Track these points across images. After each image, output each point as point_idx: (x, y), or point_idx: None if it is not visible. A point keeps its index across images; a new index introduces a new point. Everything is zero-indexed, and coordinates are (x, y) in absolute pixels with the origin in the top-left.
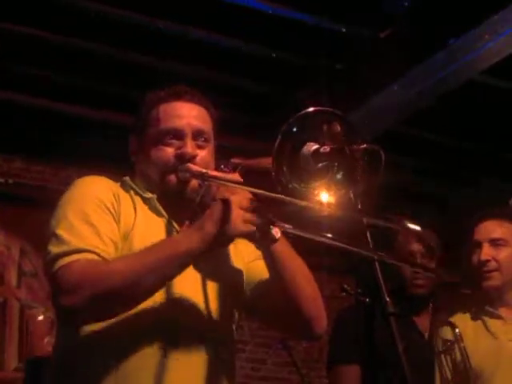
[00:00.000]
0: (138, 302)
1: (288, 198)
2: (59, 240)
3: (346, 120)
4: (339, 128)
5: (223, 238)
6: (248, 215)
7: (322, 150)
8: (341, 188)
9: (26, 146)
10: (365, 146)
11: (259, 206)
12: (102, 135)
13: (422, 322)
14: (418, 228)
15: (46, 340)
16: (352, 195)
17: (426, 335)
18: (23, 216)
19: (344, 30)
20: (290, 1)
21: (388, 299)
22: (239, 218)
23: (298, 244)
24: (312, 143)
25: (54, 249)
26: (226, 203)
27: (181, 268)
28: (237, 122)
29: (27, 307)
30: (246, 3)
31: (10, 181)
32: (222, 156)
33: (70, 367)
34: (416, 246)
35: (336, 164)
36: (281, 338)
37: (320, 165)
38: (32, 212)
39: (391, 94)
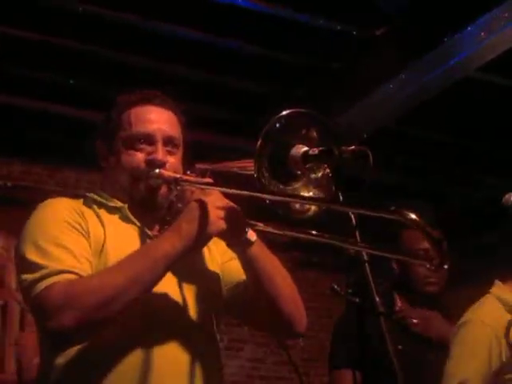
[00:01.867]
0: (124, 311)
1: (267, 196)
2: (33, 266)
3: (323, 121)
4: (315, 132)
5: (202, 237)
6: (224, 213)
7: (311, 151)
8: (326, 189)
9: (25, 148)
10: (353, 147)
11: (234, 206)
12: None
13: None
14: (417, 218)
15: (35, 361)
16: (340, 195)
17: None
18: (23, 218)
19: (340, 28)
20: (287, 1)
21: (378, 299)
22: (216, 216)
23: (288, 241)
24: (300, 145)
25: (30, 276)
26: (202, 203)
27: (163, 272)
28: (235, 122)
29: (27, 310)
30: (243, 4)
31: (9, 183)
32: (221, 155)
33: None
34: (424, 245)
35: (325, 166)
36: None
37: (308, 166)
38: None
39: (388, 93)
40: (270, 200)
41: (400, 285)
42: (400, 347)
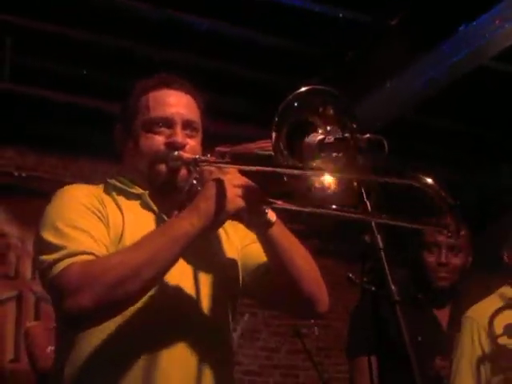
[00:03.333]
0: (143, 293)
1: (287, 170)
2: (52, 248)
3: (340, 99)
4: (332, 110)
5: (220, 215)
6: (242, 191)
7: (326, 139)
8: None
9: (39, 139)
10: (368, 136)
11: (252, 184)
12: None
13: (444, 315)
14: (433, 182)
15: (48, 349)
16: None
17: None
18: (37, 209)
19: (354, 18)
20: None
21: (393, 287)
22: (234, 194)
23: (304, 229)
24: (316, 133)
25: (48, 257)
26: (219, 181)
27: (181, 250)
28: (248, 111)
29: (42, 300)
30: None
31: (24, 174)
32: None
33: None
34: (442, 238)
35: (340, 154)
36: (293, 325)
37: (323, 154)
38: (45, 205)
39: (402, 82)
40: (288, 175)
41: (415, 277)
42: (419, 338)
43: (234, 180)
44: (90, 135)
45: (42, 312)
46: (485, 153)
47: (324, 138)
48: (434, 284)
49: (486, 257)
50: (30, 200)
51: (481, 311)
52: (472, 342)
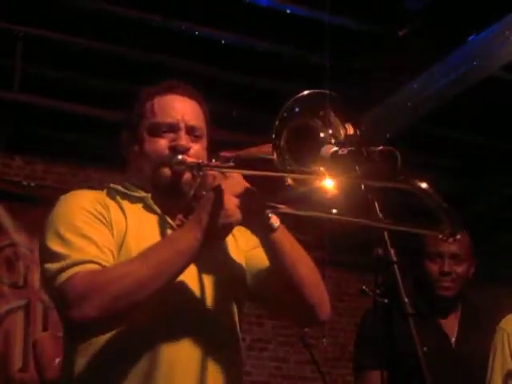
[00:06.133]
0: (146, 304)
1: (290, 174)
2: (56, 256)
3: (341, 102)
4: (333, 113)
5: (221, 228)
6: (242, 201)
7: (340, 152)
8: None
9: (47, 148)
10: (381, 148)
11: (253, 190)
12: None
13: (449, 325)
14: (428, 187)
15: (56, 361)
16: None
17: (453, 339)
18: (46, 218)
19: (364, 28)
20: (309, 0)
21: (406, 300)
22: (233, 204)
23: (313, 239)
24: (330, 145)
25: (53, 266)
26: (218, 191)
27: (186, 263)
28: (255, 119)
29: (51, 309)
30: (264, 4)
31: (32, 183)
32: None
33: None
34: (444, 247)
35: (355, 167)
36: (301, 335)
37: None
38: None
39: (411, 92)
40: (291, 179)
41: (419, 287)
42: (425, 349)
43: (232, 188)
44: (99, 144)
45: (51, 321)
46: (494, 162)
47: (337, 151)
48: (437, 293)
49: (497, 268)
50: (39, 209)
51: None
52: (503, 354)
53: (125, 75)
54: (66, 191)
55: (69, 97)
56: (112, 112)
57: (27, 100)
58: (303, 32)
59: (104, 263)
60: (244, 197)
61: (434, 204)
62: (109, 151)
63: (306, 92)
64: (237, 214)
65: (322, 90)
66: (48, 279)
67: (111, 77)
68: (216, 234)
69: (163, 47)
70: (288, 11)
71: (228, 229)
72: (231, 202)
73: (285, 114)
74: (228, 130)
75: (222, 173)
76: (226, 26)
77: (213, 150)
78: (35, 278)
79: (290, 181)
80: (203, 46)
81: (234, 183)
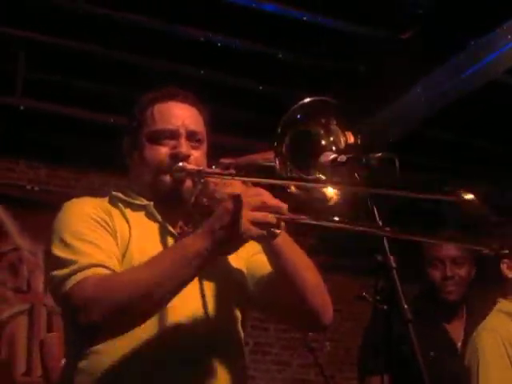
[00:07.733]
0: (153, 312)
1: (292, 182)
2: (62, 263)
3: (341, 110)
4: (335, 120)
5: (235, 242)
6: (260, 216)
7: (339, 159)
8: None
9: (51, 153)
10: (380, 154)
11: (273, 205)
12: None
13: (455, 329)
14: (473, 198)
15: (63, 362)
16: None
17: (459, 343)
18: (49, 222)
19: (366, 31)
20: (311, 3)
21: (406, 306)
22: (249, 221)
23: (316, 244)
24: (329, 152)
25: (61, 272)
26: (237, 203)
27: (195, 272)
28: (258, 124)
29: (54, 313)
30: (267, 8)
31: (36, 188)
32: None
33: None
34: (444, 252)
35: (355, 174)
36: (305, 339)
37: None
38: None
39: (414, 96)
40: (291, 185)
41: (425, 293)
42: (432, 354)
43: (252, 201)
44: (101, 149)
45: (54, 325)
46: (496, 166)
47: (337, 158)
48: (442, 298)
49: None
50: (43, 213)
51: (497, 324)
52: (500, 353)
53: (128, 80)
54: (69, 195)
55: (72, 102)
56: (117, 117)
57: (31, 104)
58: (305, 36)
59: (111, 267)
60: (262, 210)
61: (480, 217)
62: (112, 156)
63: (307, 99)
64: (251, 231)
65: (324, 98)
66: (56, 285)
67: (115, 82)
68: (226, 248)
69: (166, 52)
70: (291, 15)
71: (239, 245)
72: (248, 217)
73: (287, 121)
74: (227, 134)
75: (223, 180)
76: (225, 30)
77: (213, 154)
78: (39, 283)
79: (292, 188)
80: (203, 50)
81: (253, 194)
